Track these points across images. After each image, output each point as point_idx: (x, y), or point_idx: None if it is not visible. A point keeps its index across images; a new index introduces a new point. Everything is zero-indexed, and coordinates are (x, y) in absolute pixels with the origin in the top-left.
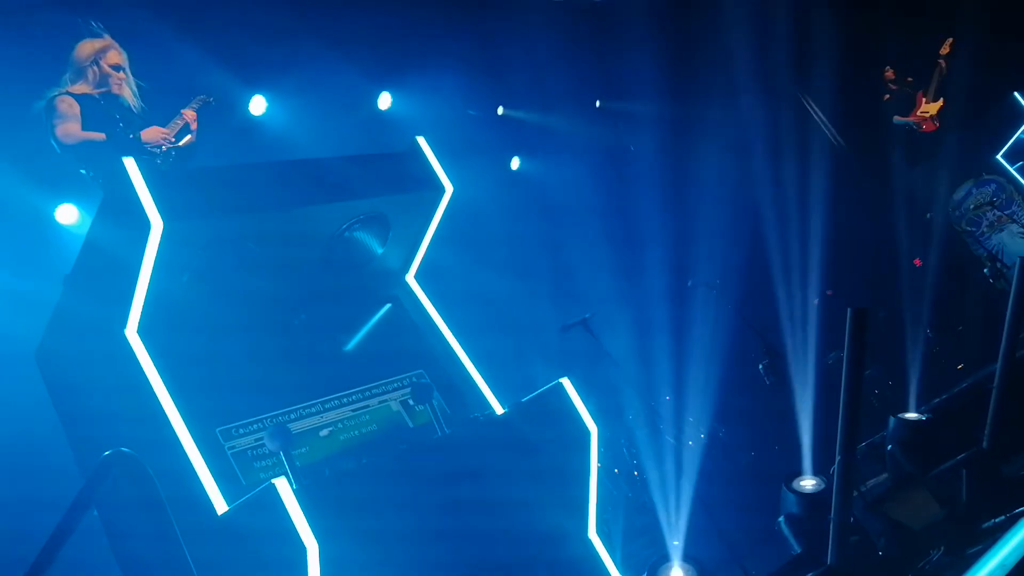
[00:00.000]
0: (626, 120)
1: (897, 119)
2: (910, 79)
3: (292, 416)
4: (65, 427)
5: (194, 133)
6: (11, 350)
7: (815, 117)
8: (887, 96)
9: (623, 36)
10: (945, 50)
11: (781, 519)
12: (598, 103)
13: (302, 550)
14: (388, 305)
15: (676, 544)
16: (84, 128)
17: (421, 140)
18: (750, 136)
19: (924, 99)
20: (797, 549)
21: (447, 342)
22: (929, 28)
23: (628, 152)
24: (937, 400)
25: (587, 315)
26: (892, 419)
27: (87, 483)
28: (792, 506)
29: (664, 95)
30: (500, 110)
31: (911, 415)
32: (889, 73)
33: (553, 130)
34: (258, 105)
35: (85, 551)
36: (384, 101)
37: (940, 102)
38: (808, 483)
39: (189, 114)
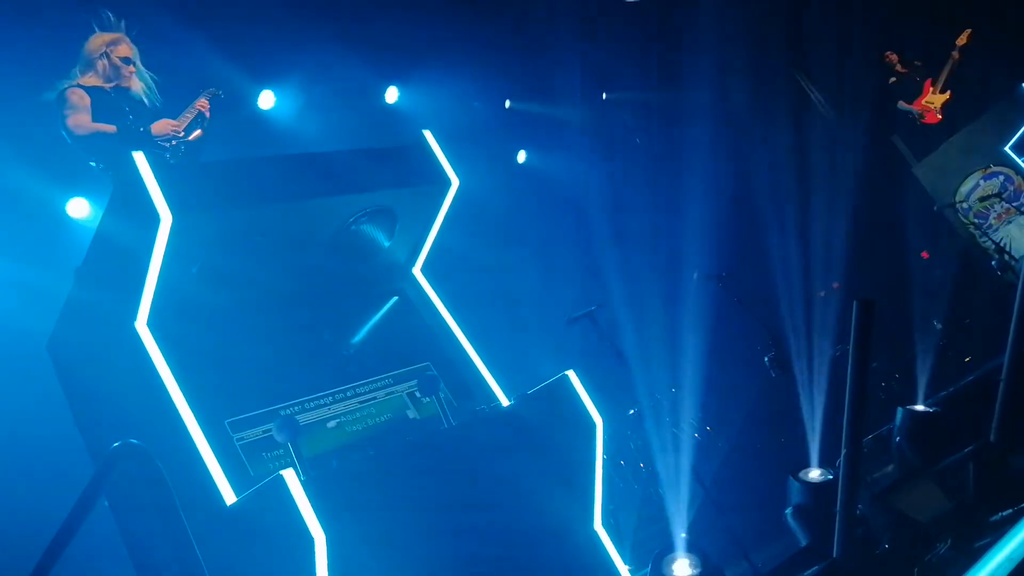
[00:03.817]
0: (631, 111)
1: (901, 105)
2: (919, 63)
3: (300, 408)
4: (76, 417)
5: (204, 127)
6: (24, 341)
7: (820, 106)
8: (893, 79)
9: (620, 23)
10: (962, 40)
11: (788, 511)
12: (604, 95)
13: (310, 540)
14: (395, 298)
15: (683, 536)
16: (95, 120)
17: (427, 134)
18: (756, 128)
19: (932, 88)
20: (803, 541)
21: (453, 335)
22: (944, 13)
23: (634, 144)
24: (945, 393)
25: (593, 308)
26: (900, 410)
27: (96, 473)
28: (798, 495)
29: (664, 83)
30: (507, 103)
31: (919, 407)
32: (891, 56)
33: (559, 123)
34: (267, 100)
35: (95, 540)
36: (391, 95)
37: (947, 95)
38: (814, 474)
39: (202, 103)
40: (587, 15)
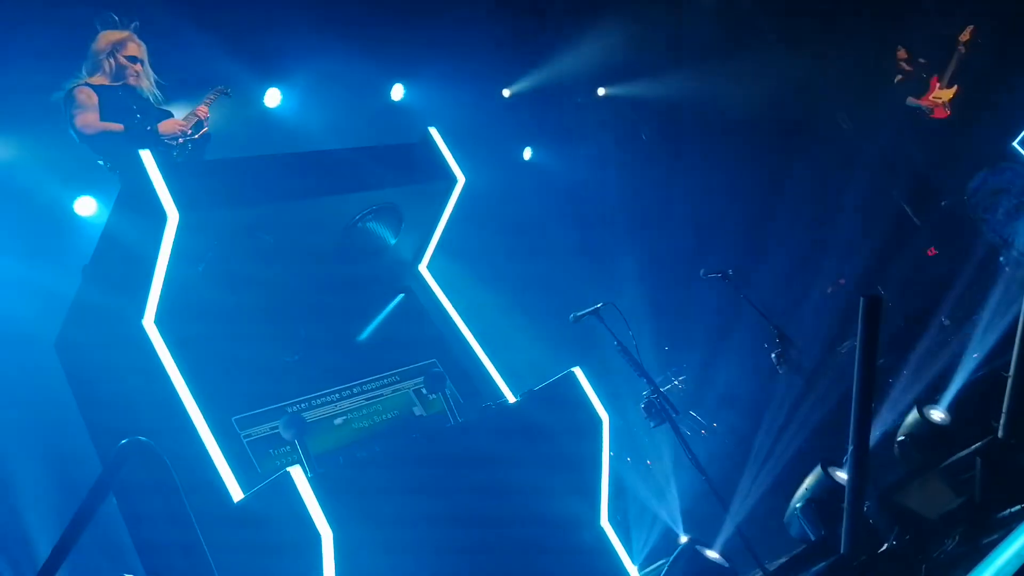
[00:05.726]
0: (636, 107)
1: (910, 101)
2: (923, 60)
3: (307, 405)
4: (84, 415)
5: (207, 125)
6: (32, 339)
7: (827, 102)
8: (899, 77)
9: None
10: (965, 36)
11: (798, 504)
12: (601, 91)
13: (317, 537)
14: (401, 295)
15: (684, 539)
16: (103, 119)
17: (433, 131)
18: (761, 123)
19: (939, 84)
20: (811, 536)
21: (459, 331)
22: (948, 9)
23: (640, 140)
24: (952, 389)
25: (599, 305)
26: (914, 411)
27: (105, 471)
28: (820, 491)
29: (669, 80)
30: (506, 92)
31: (925, 407)
32: (902, 53)
33: (565, 119)
34: (273, 97)
35: (104, 536)
36: (397, 92)
37: (954, 89)
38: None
39: (208, 102)
40: (595, 10)
